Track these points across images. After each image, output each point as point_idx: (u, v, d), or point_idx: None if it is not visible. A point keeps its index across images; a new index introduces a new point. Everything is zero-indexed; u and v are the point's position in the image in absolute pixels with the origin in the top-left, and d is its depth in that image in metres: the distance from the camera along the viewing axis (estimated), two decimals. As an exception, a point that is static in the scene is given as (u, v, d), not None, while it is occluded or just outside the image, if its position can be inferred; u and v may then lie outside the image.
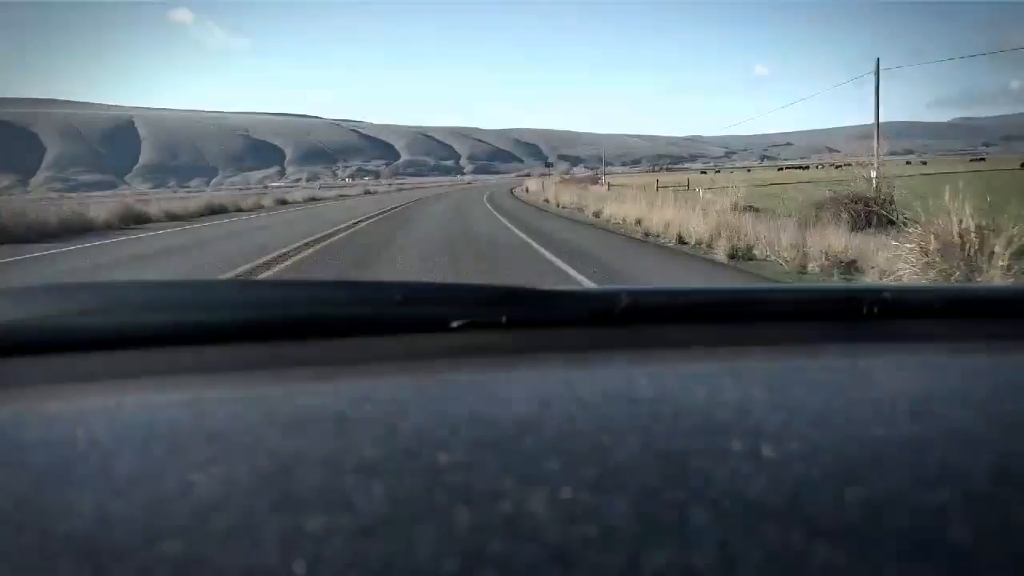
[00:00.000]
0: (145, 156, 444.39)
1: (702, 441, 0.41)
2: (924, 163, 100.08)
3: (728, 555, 0.30)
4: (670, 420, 0.44)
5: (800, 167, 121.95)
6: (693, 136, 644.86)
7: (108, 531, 0.32)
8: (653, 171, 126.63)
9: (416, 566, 0.29)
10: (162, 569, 0.29)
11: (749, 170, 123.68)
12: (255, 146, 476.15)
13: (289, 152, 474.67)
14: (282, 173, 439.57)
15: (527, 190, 42.24)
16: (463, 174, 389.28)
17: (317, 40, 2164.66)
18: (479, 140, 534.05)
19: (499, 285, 0.71)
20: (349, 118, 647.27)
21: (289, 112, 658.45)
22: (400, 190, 75.94)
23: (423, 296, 0.71)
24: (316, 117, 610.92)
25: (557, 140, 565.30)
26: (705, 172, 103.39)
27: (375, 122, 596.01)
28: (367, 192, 62.91)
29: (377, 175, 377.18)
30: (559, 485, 0.35)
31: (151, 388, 0.53)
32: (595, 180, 46.90)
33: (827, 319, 0.75)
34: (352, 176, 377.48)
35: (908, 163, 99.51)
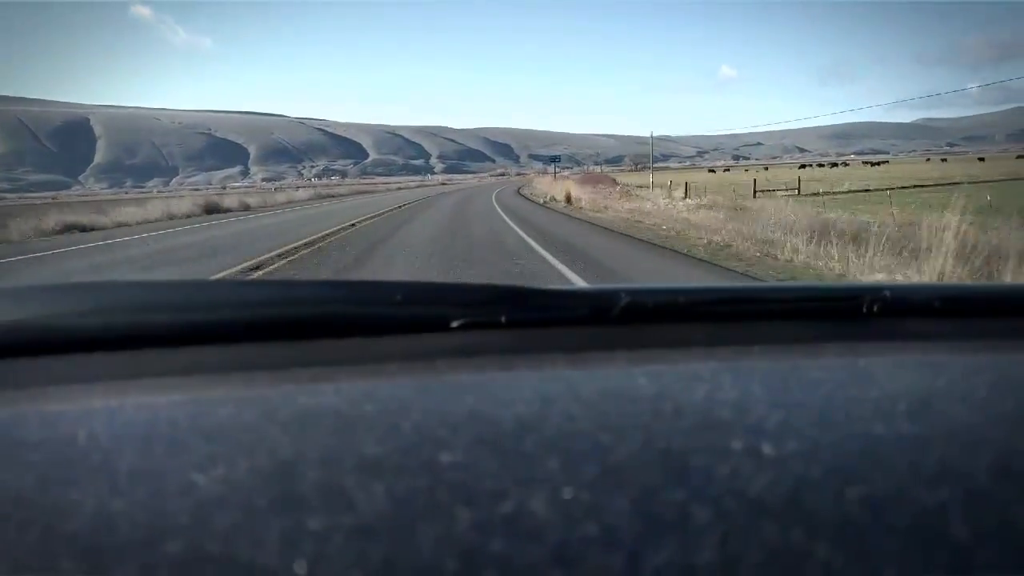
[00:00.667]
0: (100, 155, 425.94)
1: (702, 440, 0.41)
2: (981, 159, 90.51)
3: (728, 554, 0.30)
4: (670, 419, 0.45)
5: (821, 164, 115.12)
6: (663, 136, 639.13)
7: (109, 531, 0.32)
8: (636, 170, 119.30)
9: (417, 565, 0.29)
10: (163, 569, 0.29)
11: (767, 167, 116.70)
12: (217, 145, 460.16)
13: (252, 151, 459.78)
14: (245, 172, 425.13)
15: (568, 199, 22.54)
16: (433, 173, 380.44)
17: (282, 39, 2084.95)
18: (449, 139, 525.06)
19: (499, 285, 0.71)
20: (315, 116, 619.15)
21: (252, 111, 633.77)
22: (330, 196, 44.86)
23: (423, 296, 0.71)
24: (281, 115, 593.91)
25: (528, 139, 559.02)
26: (714, 170, 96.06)
27: (342, 120, 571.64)
28: (244, 208, 27.88)
29: (344, 174, 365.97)
30: (559, 485, 0.36)
31: (151, 388, 0.53)
32: (596, 179, 36.38)
33: (827, 318, 0.75)
34: (319, 175, 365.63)
35: (943, 159, 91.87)
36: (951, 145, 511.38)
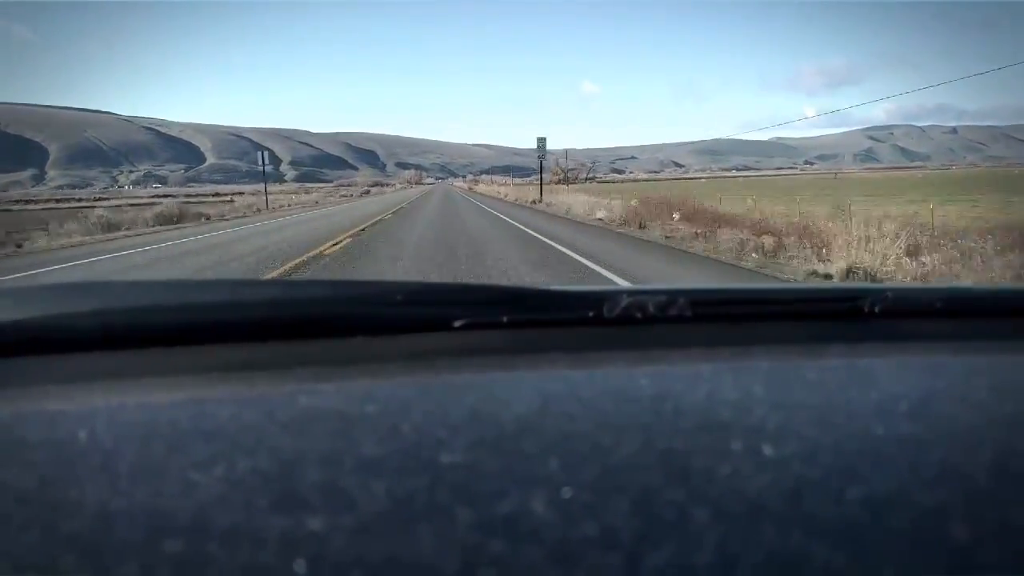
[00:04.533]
0: None
1: (702, 441, 0.41)
2: None
3: (728, 555, 0.30)
4: (670, 420, 0.44)
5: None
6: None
7: (110, 530, 0.32)
8: (567, 182, 79.43)
9: (417, 565, 0.29)
10: (163, 569, 0.29)
11: (756, 178, 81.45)
12: (4, 142, 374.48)
13: (54, 151, 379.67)
14: (40, 177, 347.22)
15: None
16: (284, 181, 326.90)
17: (123, 32, 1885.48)
18: (305, 143, 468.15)
19: (500, 285, 0.71)
20: (149, 115, 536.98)
21: (62, 105, 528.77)
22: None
23: (424, 296, 0.71)
24: (106, 112, 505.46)
25: (396, 146, 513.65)
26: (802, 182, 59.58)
27: (181, 121, 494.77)
28: None
29: (164, 181, 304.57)
30: (559, 485, 0.36)
31: (152, 388, 0.53)
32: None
33: (828, 319, 0.75)
34: (137, 182, 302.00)
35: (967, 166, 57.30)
36: (808, 163, 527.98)
